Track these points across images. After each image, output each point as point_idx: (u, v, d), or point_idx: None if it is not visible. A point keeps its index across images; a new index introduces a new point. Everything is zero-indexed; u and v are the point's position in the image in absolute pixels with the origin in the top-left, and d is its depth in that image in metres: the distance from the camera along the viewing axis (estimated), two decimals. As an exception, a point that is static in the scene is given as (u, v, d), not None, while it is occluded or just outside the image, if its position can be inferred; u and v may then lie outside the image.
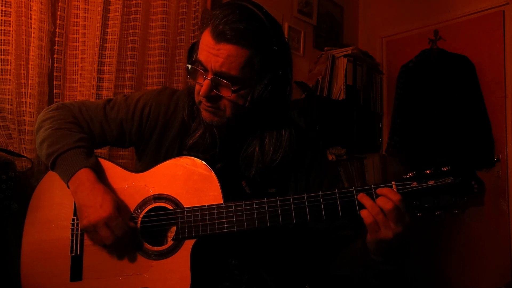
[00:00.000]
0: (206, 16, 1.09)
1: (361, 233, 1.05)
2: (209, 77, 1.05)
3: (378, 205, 0.96)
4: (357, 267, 1.09)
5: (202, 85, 1.07)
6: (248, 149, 1.17)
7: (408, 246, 1.03)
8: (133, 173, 1.18)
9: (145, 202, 1.14)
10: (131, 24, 2.09)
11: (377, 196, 0.98)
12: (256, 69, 1.06)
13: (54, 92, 1.89)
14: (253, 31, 1.04)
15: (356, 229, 1.08)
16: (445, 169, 0.94)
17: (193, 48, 1.15)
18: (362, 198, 0.99)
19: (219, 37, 1.02)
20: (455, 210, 0.94)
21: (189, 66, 1.12)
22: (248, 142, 1.17)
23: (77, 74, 1.97)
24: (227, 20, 1.02)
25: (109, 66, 2.00)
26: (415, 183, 0.96)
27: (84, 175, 1.11)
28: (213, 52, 1.03)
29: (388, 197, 0.96)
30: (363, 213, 0.98)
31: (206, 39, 1.05)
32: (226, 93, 1.07)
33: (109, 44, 2.01)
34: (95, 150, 1.25)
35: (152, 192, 1.14)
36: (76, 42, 1.97)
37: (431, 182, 0.95)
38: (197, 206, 1.07)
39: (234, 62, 1.03)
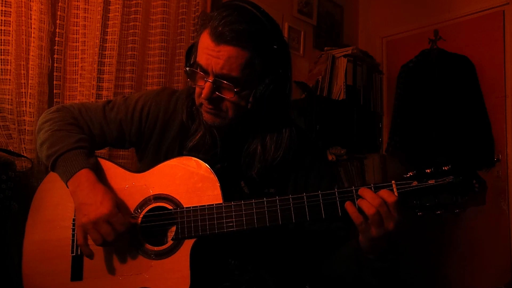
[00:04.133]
0: (204, 18, 1.08)
1: (353, 233, 1.05)
2: (210, 79, 1.05)
3: (381, 197, 0.96)
4: (352, 266, 1.08)
5: (203, 87, 1.07)
6: (250, 148, 1.17)
7: (399, 244, 1.03)
8: (133, 173, 1.18)
9: (145, 202, 1.14)
10: (131, 24, 2.09)
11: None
12: (257, 70, 1.06)
13: (54, 92, 1.89)
14: (253, 32, 1.03)
15: (349, 229, 1.08)
16: (445, 168, 0.94)
17: (191, 50, 1.14)
18: (363, 191, 0.98)
19: (219, 39, 1.01)
20: (456, 209, 0.94)
21: (188, 69, 1.11)
22: (249, 141, 1.17)
23: (77, 74, 1.97)
24: (226, 21, 1.01)
25: (109, 66, 2.00)
26: (415, 182, 0.96)
27: (84, 176, 1.11)
28: (213, 54, 1.03)
29: (389, 193, 0.96)
30: (364, 204, 0.96)
31: (205, 41, 1.04)
32: (228, 94, 1.06)
33: (109, 44, 2.01)
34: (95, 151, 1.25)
35: (152, 192, 1.14)
36: (76, 42, 1.98)
37: (431, 181, 0.95)
38: (196, 206, 1.08)
39: (235, 63, 1.03)
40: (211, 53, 1.03)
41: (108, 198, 1.08)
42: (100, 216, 1.05)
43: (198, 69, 1.08)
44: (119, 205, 1.10)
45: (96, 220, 1.05)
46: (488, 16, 3.15)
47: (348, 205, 0.99)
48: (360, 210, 0.97)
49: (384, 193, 0.96)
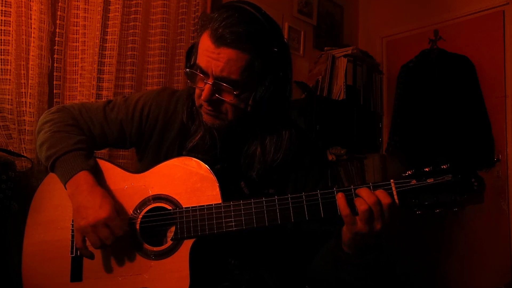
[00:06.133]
0: (204, 19, 1.07)
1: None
2: (210, 81, 1.05)
3: (376, 196, 0.95)
4: (329, 263, 1.08)
5: (203, 89, 1.06)
6: (249, 149, 1.17)
7: (382, 244, 1.02)
8: (133, 174, 1.18)
9: (144, 203, 1.14)
10: (131, 24, 2.09)
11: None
12: (257, 72, 1.05)
13: (54, 92, 1.89)
14: (253, 34, 1.03)
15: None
16: (444, 166, 0.94)
17: (191, 51, 1.14)
18: (360, 190, 0.98)
19: (219, 41, 1.01)
20: (455, 208, 0.94)
21: (188, 71, 1.11)
22: (249, 143, 1.17)
23: (77, 74, 1.97)
24: (227, 23, 1.01)
25: (109, 66, 2.00)
26: (414, 181, 0.96)
27: (82, 178, 1.11)
28: (213, 57, 1.02)
29: (386, 194, 0.96)
30: (358, 200, 0.96)
31: (206, 43, 1.04)
32: (227, 97, 1.06)
33: (109, 44, 2.01)
34: (95, 151, 1.25)
35: (151, 192, 1.14)
36: (76, 42, 1.98)
37: (430, 180, 0.95)
38: (195, 206, 1.07)
39: (234, 66, 1.02)
40: (211, 55, 1.03)
41: (107, 201, 1.08)
42: (99, 220, 1.04)
43: (198, 71, 1.08)
44: (118, 208, 1.10)
45: (95, 224, 1.05)
46: (488, 16, 3.15)
47: (339, 196, 0.98)
48: (352, 205, 0.97)
49: (380, 193, 0.96)
